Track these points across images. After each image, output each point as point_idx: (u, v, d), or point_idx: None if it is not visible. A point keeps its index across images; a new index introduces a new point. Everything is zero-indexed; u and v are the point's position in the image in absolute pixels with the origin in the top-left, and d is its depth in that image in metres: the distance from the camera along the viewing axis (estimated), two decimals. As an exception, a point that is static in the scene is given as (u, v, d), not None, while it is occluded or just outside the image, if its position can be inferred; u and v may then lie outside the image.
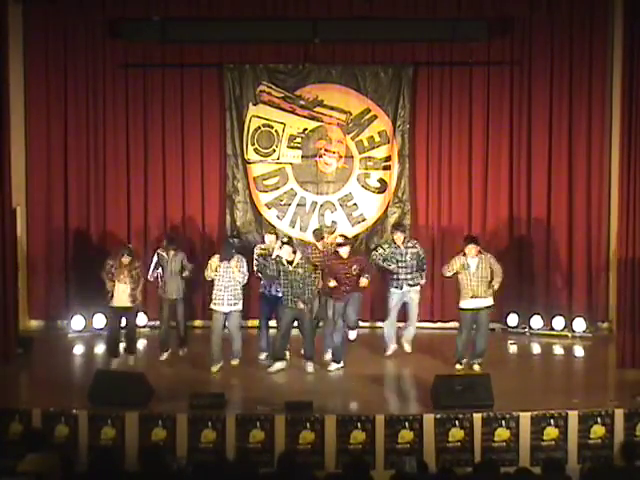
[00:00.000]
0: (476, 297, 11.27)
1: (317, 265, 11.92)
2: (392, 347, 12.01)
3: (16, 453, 8.35)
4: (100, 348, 12.73)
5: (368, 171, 13.85)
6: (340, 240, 11.83)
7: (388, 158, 13.79)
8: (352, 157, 13.82)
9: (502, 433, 9.49)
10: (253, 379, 11.22)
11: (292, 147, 13.81)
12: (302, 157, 13.83)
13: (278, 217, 13.86)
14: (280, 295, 11.60)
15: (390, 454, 9.39)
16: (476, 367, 11.32)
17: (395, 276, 11.97)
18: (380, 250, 12.17)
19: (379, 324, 12.87)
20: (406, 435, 9.44)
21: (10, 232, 11.96)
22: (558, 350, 12.73)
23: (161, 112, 13.80)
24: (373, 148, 13.81)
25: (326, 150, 13.83)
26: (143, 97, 13.79)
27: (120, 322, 11.88)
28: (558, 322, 13.29)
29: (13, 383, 11.13)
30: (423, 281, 12.15)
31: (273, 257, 11.69)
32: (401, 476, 8.07)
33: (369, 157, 13.82)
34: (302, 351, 11.55)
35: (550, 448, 9.48)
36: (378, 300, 13.11)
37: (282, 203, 13.87)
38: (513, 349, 12.83)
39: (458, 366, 11.34)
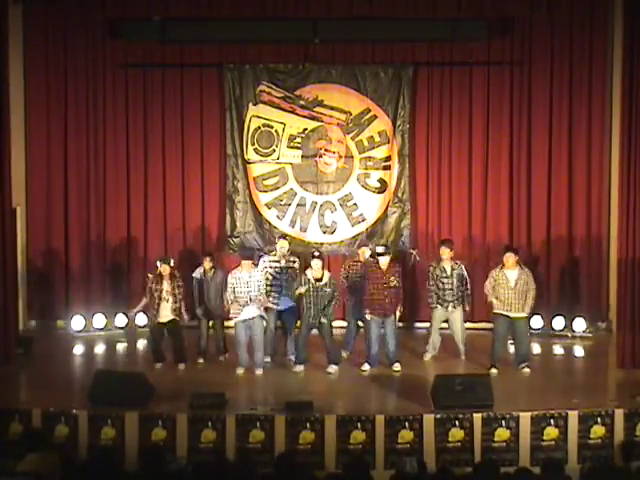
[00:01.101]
0: (512, 311, 11.33)
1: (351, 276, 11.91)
2: (430, 354, 12.00)
3: (16, 453, 8.35)
4: (100, 348, 12.76)
5: (368, 171, 13.85)
6: (380, 249, 11.56)
7: (388, 158, 13.79)
8: (352, 157, 13.83)
9: (502, 433, 9.49)
10: (253, 379, 11.21)
11: (292, 147, 13.82)
12: (302, 157, 13.83)
13: (278, 217, 13.86)
14: (288, 307, 11.69)
15: (390, 454, 9.38)
16: (525, 370, 11.31)
17: (440, 295, 11.83)
18: (430, 269, 11.96)
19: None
20: (406, 435, 9.43)
21: (10, 232, 11.95)
22: (558, 350, 12.73)
23: (161, 112, 13.81)
24: (373, 148, 13.82)
25: (326, 150, 13.83)
26: (143, 97, 13.79)
27: (162, 333, 11.61)
28: (558, 322, 13.29)
29: (13, 383, 11.12)
30: (467, 307, 11.98)
31: (285, 265, 11.68)
32: (401, 476, 8.06)
33: (369, 157, 13.82)
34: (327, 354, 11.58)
35: (550, 448, 9.47)
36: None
37: (282, 203, 13.88)
38: (513, 349, 12.82)
39: (493, 370, 11.29)
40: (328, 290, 11.27)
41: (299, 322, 11.73)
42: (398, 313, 11.58)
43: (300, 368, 11.41)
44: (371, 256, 11.93)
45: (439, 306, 11.89)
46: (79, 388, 10.47)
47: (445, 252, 11.82)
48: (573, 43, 13.46)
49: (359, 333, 12.06)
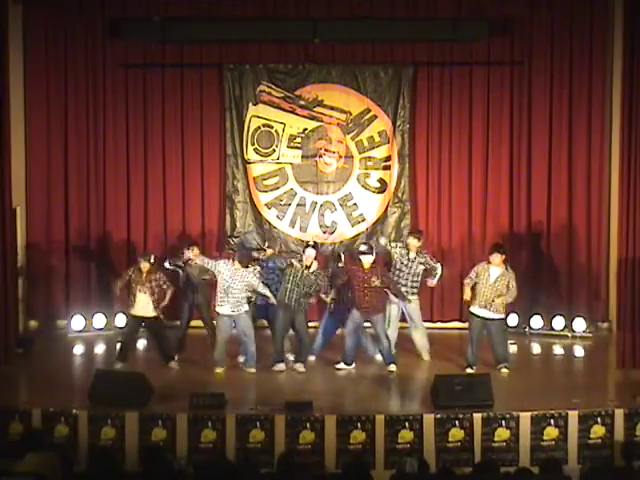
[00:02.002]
0: (487, 309, 11.27)
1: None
2: (378, 357, 11.87)
3: (16, 453, 8.34)
4: (100, 348, 12.76)
5: (368, 171, 13.86)
6: (364, 248, 11.50)
7: (388, 158, 13.80)
8: (352, 157, 13.83)
9: (502, 433, 9.48)
10: (253, 379, 11.22)
11: (292, 147, 13.82)
12: (302, 157, 13.84)
13: (278, 217, 13.86)
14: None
15: (390, 454, 9.37)
16: (504, 371, 11.24)
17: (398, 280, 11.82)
18: (393, 248, 11.97)
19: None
20: (406, 435, 9.43)
21: (10, 232, 11.95)
22: (558, 350, 12.73)
23: (161, 112, 13.81)
24: (373, 148, 13.82)
25: (326, 150, 13.83)
26: (143, 97, 13.79)
27: (137, 330, 11.63)
28: (558, 322, 13.29)
29: (13, 383, 11.12)
30: (433, 282, 11.93)
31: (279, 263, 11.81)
32: (401, 476, 8.05)
33: (369, 157, 13.83)
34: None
35: (550, 448, 9.47)
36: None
37: (282, 203, 13.88)
38: (513, 349, 12.82)
39: (469, 370, 11.28)
40: (312, 278, 11.33)
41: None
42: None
43: (281, 367, 11.38)
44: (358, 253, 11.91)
45: (393, 297, 11.76)
46: (79, 388, 10.46)
47: (413, 242, 11.84)
48: (573, 43, 13.45)
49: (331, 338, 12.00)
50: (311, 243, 11.72)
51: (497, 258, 11.32)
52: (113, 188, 13.84)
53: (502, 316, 11.41)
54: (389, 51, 13.77)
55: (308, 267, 11.38)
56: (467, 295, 11.45)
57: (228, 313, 11.25)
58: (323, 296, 11.52)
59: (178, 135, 13.82)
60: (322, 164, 13.86)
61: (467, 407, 9.61)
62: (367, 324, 11.58)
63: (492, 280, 11.28)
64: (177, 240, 13.75)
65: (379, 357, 11.71)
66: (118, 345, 11.75)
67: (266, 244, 12.82)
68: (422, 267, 11.86)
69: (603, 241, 13.53)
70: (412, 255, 11.82)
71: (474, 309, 11.37)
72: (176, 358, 11.69)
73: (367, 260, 11.32)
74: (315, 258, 11.46)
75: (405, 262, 11.79)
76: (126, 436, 9.45)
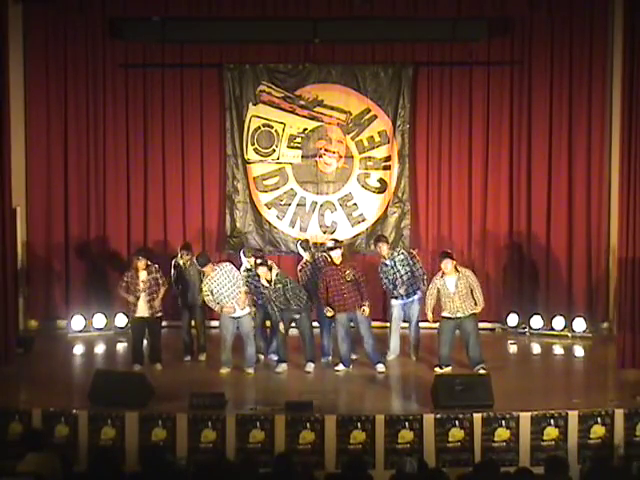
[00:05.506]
0: (459, 312, 11.19)
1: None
2: (393, 355, 11.96)
3: (16, 453, 8.35)
4: (100, 348, 12.77)
5: (368, 171, 13.86)
6: (330, 244, 11.61)
7: (388, 158, 13.80)
8: (352, 157, 13.83)
9: (502, 433, 9.49)
10: (253, 379, 11.22)
11: (292, 147, 13.82)
12: (302, 157, 13.84)
13: (278, 217, 13.87)
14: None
15: (390, 454, 9.38)
16: (482, 372, 11.23)
17: (394, 287, 11.80)
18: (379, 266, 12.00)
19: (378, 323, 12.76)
20: (406, 435, 9.44)
21: (10, 232, 11.95)
22: (558, 350, 12.73)
23: (161, 112, 13.81)
24: (373, 148, 13.82)
25: (326, 150, 13.83)
26: (143, 97, 13.80)
27: (143, 331, 11.60)
28: (558, 322, 13.28)
29: (13, 383, 11.12)
30: (423, 287, 11.76)
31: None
32: (401, 476, 8.05)
33: (369, 157, 13.82)
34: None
35: (550, 448, 9.47)
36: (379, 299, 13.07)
37: (282, 203, 13.88)
38: (513, 349, 12.85)
39: (437, 369, 11.19)
40: (279, 286, 11.19)
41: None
42: (366, 309, 11.27)
43: (283, 367, 11.40)
44: (323, 252, 11.92)
45: (394, 300, 11.83)
46: (79, 388, 10.47)
47: (382, 248, 11.83)
48: (573, 43, 13.44)
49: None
50: (259, 261, 11.37)
51: (450, 264, 11.17)
52: (113, 188, 13.84)
53: (474, 311, 11.24)
54: (389, 51, 13.77)
55: (270, 281, 11.22)
56: (430, 317, 11.33)
57: (236, 315, 11.30)
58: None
59: (178, 135, 13.83)
60: (322, 164, 13.86)
61: (467, 407, 9.62)
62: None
63: (452, 289, 11.14)
64: (177, 239, 13.77)
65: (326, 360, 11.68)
66: (131, 347, 11.73)
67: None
68: (405, 263, 11.78)
69: (603, 241, 13.52)
70: (388, 261, 11.73)
71: (445, 314, 11.22)
72: (190, 358, 11.92)
73: (336, 255, 11.33)
74: (269, 270, 11.22)
75: (390, 270, 11.75)
76: (126, 436, 9.46)
